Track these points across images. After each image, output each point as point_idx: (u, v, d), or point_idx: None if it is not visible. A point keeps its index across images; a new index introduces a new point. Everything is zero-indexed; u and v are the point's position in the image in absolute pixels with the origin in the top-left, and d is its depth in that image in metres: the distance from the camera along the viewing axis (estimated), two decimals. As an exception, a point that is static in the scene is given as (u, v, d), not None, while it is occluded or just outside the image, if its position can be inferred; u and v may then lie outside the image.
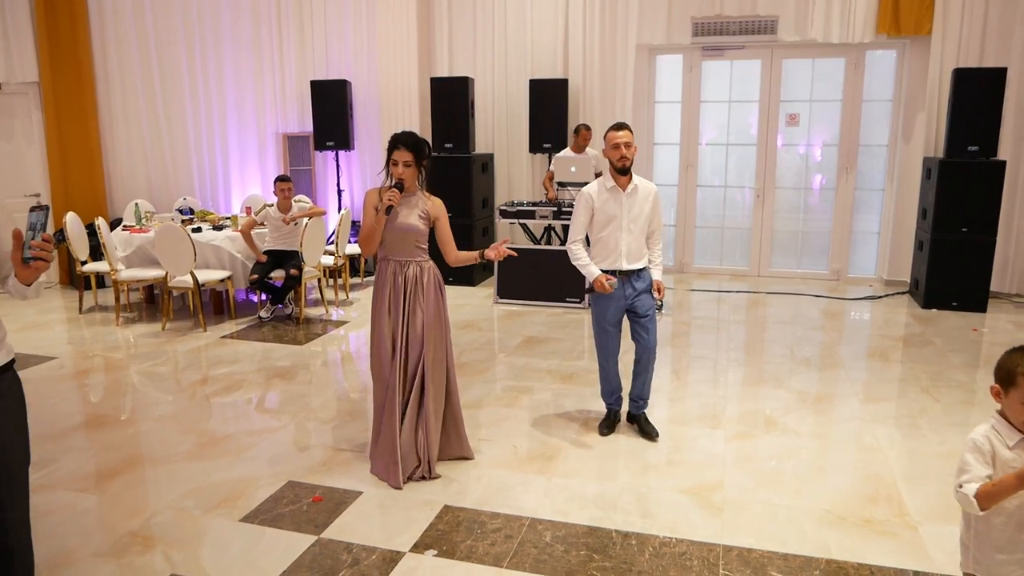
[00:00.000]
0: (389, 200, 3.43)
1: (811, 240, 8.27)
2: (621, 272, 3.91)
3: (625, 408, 4.28)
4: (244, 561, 2.94)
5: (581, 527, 3.18)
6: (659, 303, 3.99)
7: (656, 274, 3.99)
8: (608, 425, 4.18)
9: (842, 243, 8.07)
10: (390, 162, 3.51)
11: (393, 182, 3.52)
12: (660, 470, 3.73)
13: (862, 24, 7.23)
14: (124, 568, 2.91)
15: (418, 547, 3.03)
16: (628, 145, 3.81)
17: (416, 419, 3.62)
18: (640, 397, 4.15)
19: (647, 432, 4.09)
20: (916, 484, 3.57)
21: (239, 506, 3.38)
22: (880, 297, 7.40)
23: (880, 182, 7.95)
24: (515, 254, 3.75)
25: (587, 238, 4.08)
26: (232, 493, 3.51)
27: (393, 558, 2.95)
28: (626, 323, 4.10)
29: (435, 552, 3.00)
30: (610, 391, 4.20)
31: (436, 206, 3.65)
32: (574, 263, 3.99)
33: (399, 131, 3.59)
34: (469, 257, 3.67)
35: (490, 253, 3.64)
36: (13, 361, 2.26)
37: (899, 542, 3.07)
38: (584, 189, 3.95)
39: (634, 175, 3.90)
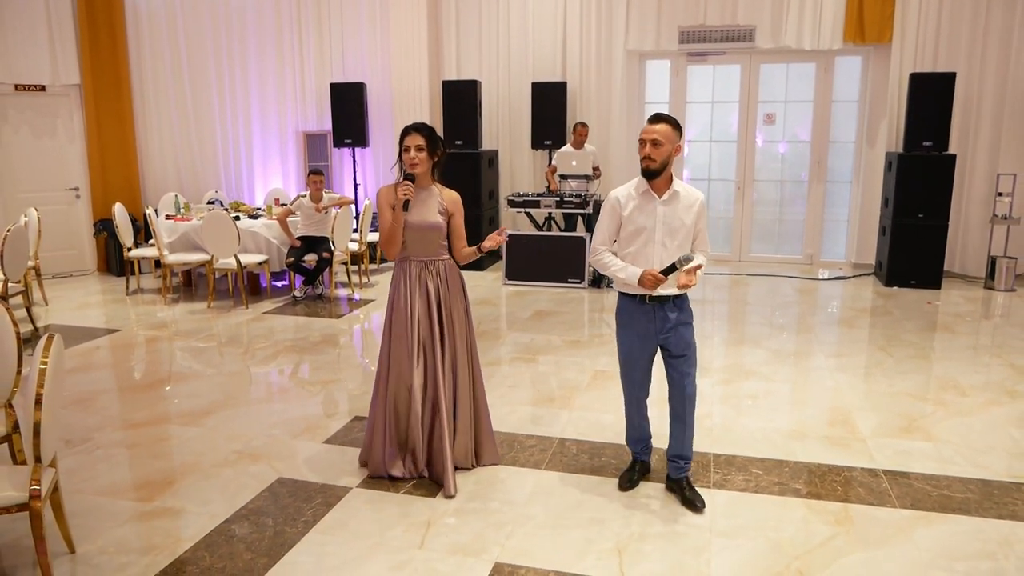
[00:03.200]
0: (404, 194, 3.25)
1: (787, 228, 9.11)
2: (651, 298, 3.20)
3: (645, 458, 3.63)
4: (335, 469, 3.70)
5: (601, 443, 3.97)
6: (687, 259, 3.04)
7: (699, 258, 3.15)
8: (629, 478, 3.50)
9: (815, 230, 8.93)
10: (402, 150, 3.36)
11: (405, 174, 3.35)
12: (661, 405, 4.47)
13: (830, 33, 8.08)
14: (240, 473, 3.67)
15: (472, 457, 3.80)
16: (656, 144, 3.07)
17: (453, 421, 3.55)
18: (679, 456, 3.37)
19: (689, 500, 3.30)
20: (867, 413, 4.39)
21: (318, 434, 4.14)
22: (848, 277, 8.26)
23: (848, 175, 8.81)
24: (506, 239, 3.51)
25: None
26: (310, 425, 4.26)
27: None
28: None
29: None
30: (635, 438, 3.54)
31: (453, 200, 3.49)
32: (604, 273, 3.31)
33: (411, 123, 3.47)
34: (471, 253, 3.53)
35: (486, 244, 3.40)
36: None
37: (850, 450, 3.89)
38: (613, 191, 3.28)
39: (678, 181, 3.22)
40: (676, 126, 3.14)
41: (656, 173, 3.12)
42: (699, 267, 3.08)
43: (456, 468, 3.54)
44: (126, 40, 8.92)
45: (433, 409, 3.49)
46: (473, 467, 3.64)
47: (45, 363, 2.55)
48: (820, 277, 8.31)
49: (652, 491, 3.45)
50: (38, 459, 2.59)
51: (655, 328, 3.24)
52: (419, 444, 3.50)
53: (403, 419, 3.53)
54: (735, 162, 9.02)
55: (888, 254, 7.74)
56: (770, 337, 6.00)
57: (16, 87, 8.21)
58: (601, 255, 3.28)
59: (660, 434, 3.57)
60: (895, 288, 7.68)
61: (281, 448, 3.96)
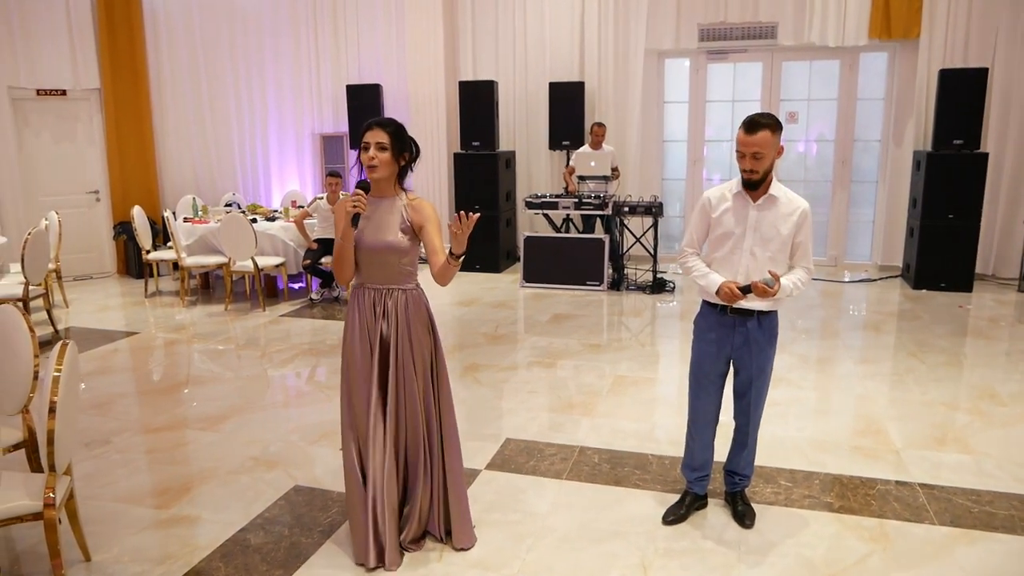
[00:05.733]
0: (354, 206, 2.64)
1: (810, 229, 8.93)
2: (733, 310, 2.98)
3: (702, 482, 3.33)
4: (352, 477, 3.63)
5: (623, 452, 3.87)
6: (769, 281, 2.81)
7: (785, 279, 2.87)
8: (675, 512, 3.21)
9: (839, 231, 8.76)
10: (361, 149, 2.76)
11: (359, 181, 2.78)
12: (685, 414, 4.40)
13: (855, 29, 7.91)
14: (256, 481, 3.61)
15: (491, 466, 3.72)
16: (758, 157, 2.80)
17: (414, 484, 2.93)
18: (735, 472, 3.25)
19: (739, 515, 3.19)
20: (900, 423, 4.25)
21: (335, 440, 4.05)
22: (874, 280, 8.08)
23: (874, 174, 8.63)
24: (471, 216, 2.60)
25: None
26: (328, 431, 4.19)
27: (472, 473, 3.64)
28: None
29: (506, 469, 3.69)
30: (692, 466, 3.25)
31: (421, 210, 2.79)
32: (688, 276, 3.10)
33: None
34: (446, 266, 2.74)
35: (456, 247, 2.67)
36: None
37: (884, 462, 3.76)
38: (706, 192, 3.07)
39: (777, 184, 2.94)
40: (776, 128, 2.82)
41: (760, 183, 2.89)
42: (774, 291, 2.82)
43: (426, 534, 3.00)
44: (144, 44, 8.92)
45: (397, 471, 2.89)
46: (443, 541, 3.01)
47: (59, 371, 2.50)
48: (845, 279, 8.14)
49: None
50: (52, 467, 2.54)
51: (731, 342, 3.03)
52: (385, 525, 2.83)
53: (364, 486, 2.88)
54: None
55: (916, 256, 7.56)
56: (795, 342, 5.86)
57: (38, 92, 8.24)
58: (686, 258, 3.11)
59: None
60: (924, 291, 7.50)
61: (298, 455, 3.90)
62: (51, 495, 2.52)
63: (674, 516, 3.20)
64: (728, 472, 3.29)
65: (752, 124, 2.81)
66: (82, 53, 8.40)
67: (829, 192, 8.75)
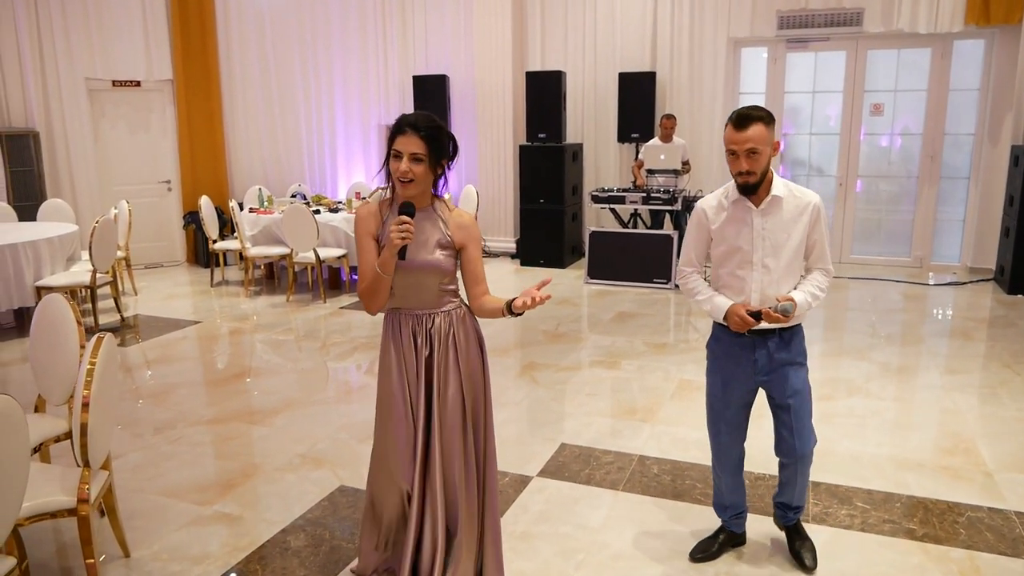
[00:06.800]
0: (402, 238, 2.21)
1: (893, 228, 8.41)
2: (749, 331, 2.60)
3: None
4: (398, 478, 3.51)
5: (684, 463, 3.64)
6: (786, 311, 2.49)
7: (798, 295, 2.55)
8: (705, 548, 2.85)
9: (925, 231, 8.20)
10: (391, 155, 2.30)
11: (391, 193, 2.37)
12: (752, 423, 4.12)
13: (950, 14, 7.36)
14: (302, 479, 3.53)
15: (543, 473, 3.54)
16: (753, 153, 2.46)
17: (443, 530, 2.51)
18: (787, 505, 2.82)
19: (798, 554, 2.79)
20: (993, 441, 3.87)
21: (385, 439, 3.96)
22: (963, 283, 7.53)
23: (965, 170, 8.04)
24: (549, 296, 2.25)
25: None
26: (377, 429, 4.09)
27: (524, 480, 3.48)
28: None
29: (558, 477, 3.50)
30: (722, 504, 2.88)
31: (463, 226, 2.40)
32: (690, 300, 2.80)
33: (408, 113, 2.36)
34: (496, 311, 2.39)
35: (518, 301, 2.26)
36: None
37: (974, 485, 3.41)
38: (700, 202, 2.72)
39: (779, 181, 2.59)
40: (769, 120, 2.48)
41: (757, 186, 2.52)
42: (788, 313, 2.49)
43: None
44: (216, 36, 9.07)
45: (431, 519, 2.49)
46: None
47: (93, 364, 2.45)
48: (930, 282, 7.62)
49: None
50: (86, 462, 2.49)
51: (752, 368, 2.64)
52: (406, 568, 2.50)
53: (394, 528, 2.59)
54: (837, 156, 8.39)
55: (1012, 258, 6.99)
56: (875, 348, 5.47)
57: (113, 83, 8.47)
58: (686, 278, 2.75)
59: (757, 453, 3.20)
60: (1020, 296, 6.93)
61: (345, 453, 3.80)
62: (86, 490, 2.47)
63: (703, 553, 2.83)
64: (777, 504, 2.86)
65: (742, 118, 2.46)
66: (156, 45, 8.60)
67: (915, 189, 8.20)
